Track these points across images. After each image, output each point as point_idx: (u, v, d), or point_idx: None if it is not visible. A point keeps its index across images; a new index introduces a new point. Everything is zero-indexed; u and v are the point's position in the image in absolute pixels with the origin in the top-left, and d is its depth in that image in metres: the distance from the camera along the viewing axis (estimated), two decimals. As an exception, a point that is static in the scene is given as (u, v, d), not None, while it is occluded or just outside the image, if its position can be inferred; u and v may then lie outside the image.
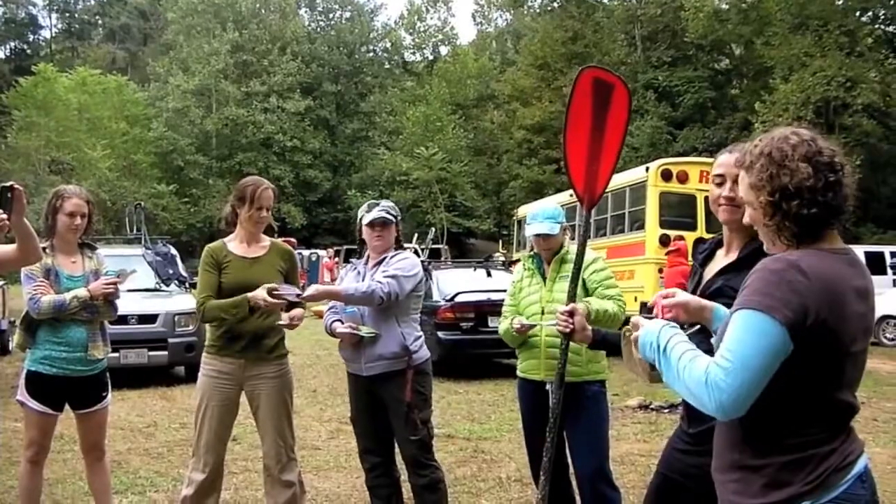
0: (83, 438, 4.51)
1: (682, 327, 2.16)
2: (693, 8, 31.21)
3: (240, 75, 48.88)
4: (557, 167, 35.57)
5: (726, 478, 2.07)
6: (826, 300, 1.87)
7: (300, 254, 26.88)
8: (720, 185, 2.71)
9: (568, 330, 3.46)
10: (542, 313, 4.06)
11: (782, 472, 1.94)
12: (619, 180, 14.39)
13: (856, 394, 2.03)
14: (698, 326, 2.29)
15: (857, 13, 29.49)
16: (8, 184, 3.34)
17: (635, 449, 6.84)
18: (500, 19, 62.78)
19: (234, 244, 4.32)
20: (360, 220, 4.33)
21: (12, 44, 64.32)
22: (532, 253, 4.32)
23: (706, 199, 5.02)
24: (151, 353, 10.18)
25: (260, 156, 46.80)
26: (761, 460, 1.97)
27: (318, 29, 57.31)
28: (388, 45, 58.33)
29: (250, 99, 47.65)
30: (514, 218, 23.33)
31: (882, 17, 31.21)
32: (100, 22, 67.04)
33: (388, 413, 4.24)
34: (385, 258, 4.26)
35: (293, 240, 18.10)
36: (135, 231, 16.69)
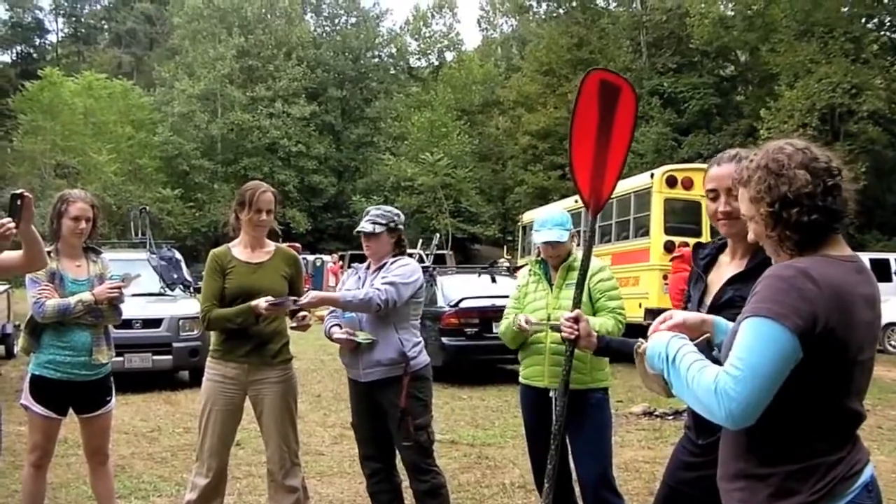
0: (87, 443, 4.51)
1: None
2: (698, 14, 31.27)
3: (245, 80, 48.93)
4: (562, 173, 35.58)
5: (732, 486, 2.06)
6: (835, 308, 1.87)
7: (305, 259, 26.88)
8: (714, 199, 2.70)
9: (573, 336, 3.41)
10: (548, 320, 4.05)
11: (789, 481, 1.93)
12: (624, 187, 14.38)
13: (862, 402, 2.03)
14: (707, 336, 2.27)
15: (863, 20, 29.49)
16: (18, 191, 3.35)
17: (639, 456, 6.82)
18: (505, 25, 62.85)
19: (238, 249, 4.33)
20: None
21: (19, 48, 64.48)
22: (539, 258, 4.32)
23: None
24: (156, 357, 10.19)
25: (265, 161, 46.80)
26: (768, 469, 1.96)
27: (324, 34, 57.35)
28: (394, 50, 58.35)
29: (256, 104, 47.67)
30: (519, 224, 23.30)
31: (888, 23, 31.22)
32: (106, 26, 67.23)
33: (386, 419, 4.24)
34: (385, 264, 4.26)
35: (298, 245, 18.08)
36: (140, 235, 16.68)
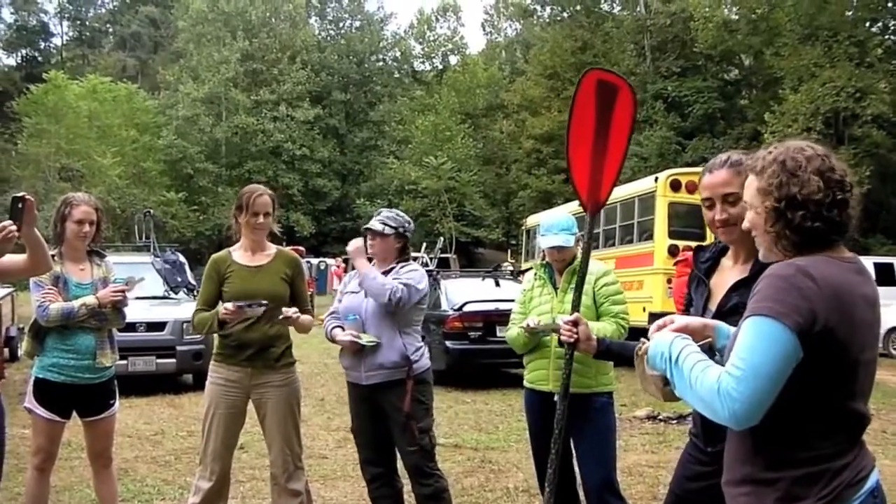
0: (90, 446, 4.52)
1: None
2: (702, 18, 31.24)
3: (249, 84, 48.93)
4: (566, 177, 35.45)
5: (737, 491, 2.05)
6: (835, 306, 1.87)
7: (308, 262, 26.91)
8: (710, 207, 2.69)
9: (572, 340, 3.39)
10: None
11: (795, 486, 1.92)
12: (628, 190, 14.38)
13: (867, 404, 2.02)
14: (709, 340, 2.27)
15: (867, 24, 29.44)
16: (20, 194, 3.35)
17: (643, 460, 6.81)
18: (509, 29, 62.88)
19: (238, 253, 4.35)
20: None
21: (23, 51, 64.58)
22: (544, 262, 4.31)
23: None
24: (160, 360, 10.22)
25: (269, 164, 46.79)
26: (773, 474, 1.95)
27: (328, 38, 57.35)
28: (398, 54, 58.34)
29: (260, 107, 47.67)
30: (523, 227, 23.28)
31: (892, 27, 31.12)
32: (111, 30, 67.32)
33: (388, 423, 4.23)
34: (393, 268, 4.26)
35: (302, 248, 18.10)
36: (144, 239, 16.73)
